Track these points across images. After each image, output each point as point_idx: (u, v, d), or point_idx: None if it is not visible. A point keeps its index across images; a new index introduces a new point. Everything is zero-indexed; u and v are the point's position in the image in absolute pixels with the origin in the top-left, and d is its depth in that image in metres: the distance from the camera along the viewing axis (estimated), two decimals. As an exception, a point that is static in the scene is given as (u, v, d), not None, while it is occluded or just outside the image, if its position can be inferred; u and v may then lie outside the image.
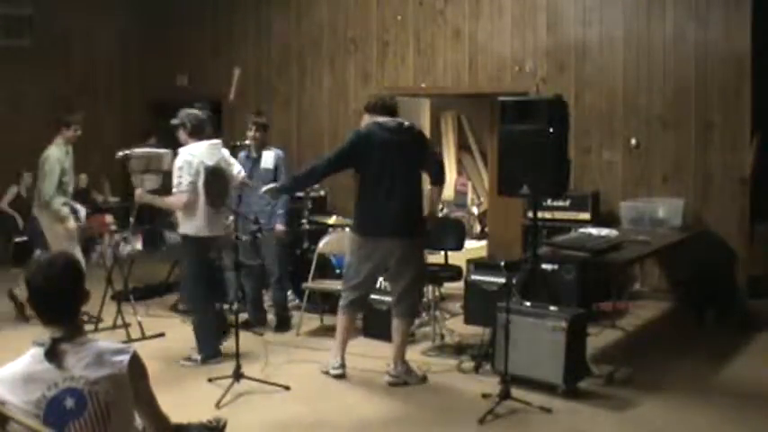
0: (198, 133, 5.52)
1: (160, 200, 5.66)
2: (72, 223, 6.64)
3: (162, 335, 6.38)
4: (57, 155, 6.58)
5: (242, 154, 6.56)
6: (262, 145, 6.50)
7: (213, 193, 5.43)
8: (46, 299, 2.32)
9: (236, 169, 5.81)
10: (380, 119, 5.19)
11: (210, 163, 5.46)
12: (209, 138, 5.57)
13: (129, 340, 6.01)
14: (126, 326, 6.24)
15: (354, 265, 5.22)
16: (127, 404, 2.33)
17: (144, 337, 6.23)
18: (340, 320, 5.34)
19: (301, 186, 5.78)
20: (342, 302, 5.33)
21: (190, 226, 5.49)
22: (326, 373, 5.33)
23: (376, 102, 5.31)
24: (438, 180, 5.38)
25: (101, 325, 6.48)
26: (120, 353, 2.35)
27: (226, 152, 5.72)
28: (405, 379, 5.20)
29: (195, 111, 5.66)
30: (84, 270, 2.50)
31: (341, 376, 5.27)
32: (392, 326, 5.29)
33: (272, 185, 5.41)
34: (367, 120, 5.28)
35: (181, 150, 5.50)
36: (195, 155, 5.42)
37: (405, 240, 5.12)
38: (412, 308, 5.33)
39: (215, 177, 5.45)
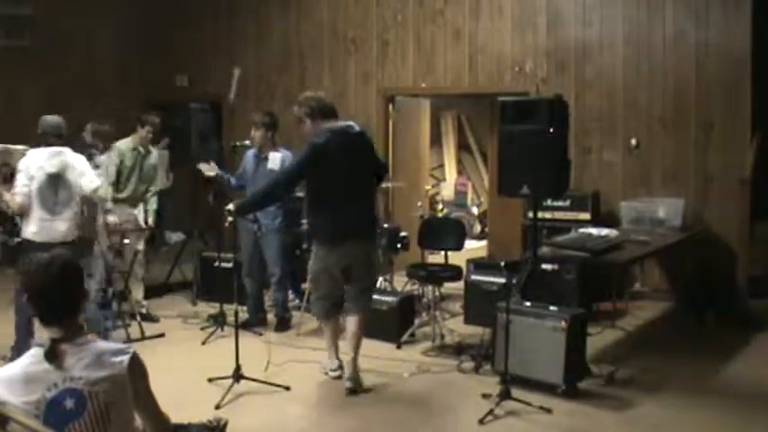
0: (44, 139, 5.56)
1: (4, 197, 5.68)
2: (110, 219, 6.50)
3: (162, 335, 6.38)
4: (121, 147, 6.70)
5: (250, 152, 6.56)
6: (271, 144, 6.48)
7: (46, 199, 5.43)
8: (45, 299, 2.31)
9: (87, 180, 5.62)
10: (328, 124, 5.11)
11: (51, 170, 5.44)
12: (54, 144, 5.55)
13: (129, 340, 6.02)
14: (126, 326, 6.24)
15: (323, 274, 5.17)
16: (127, 405, 2.33)
17: (144, 338, 6.22)
18: (325, 329, 5.38)
19: (264, 204, 5.48)
20: (318, 311, 5.35)
21: (25, 229, 5.52)
22: (326, 374, 5.35)
23: (318, 106, 5.20)
24: (381, 180, 5.54)
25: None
26: (119, 353, 2.34)
27: (79, 160, 5.65)
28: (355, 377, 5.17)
29: (51, 117, 5.67)
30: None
31: (340, 377, 5.26)
32: (351, 321, 5.22)
33: (230, 206, 5.21)
34: (310, 127, 5.15)
35: (28, 153, 5.56)
36: (35, 159, 5.45)
37: (368, 242, 5.26)
38: (371, 301, 5.45)
39: (49, 185, 5.43)
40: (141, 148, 6.83)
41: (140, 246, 6.71)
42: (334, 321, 5.33)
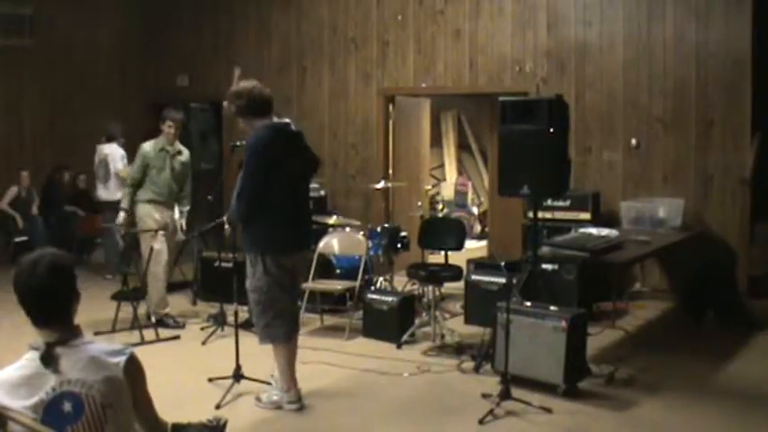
0: None
1: None
2: (150, 223, 6.56)
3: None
4: (145, 148, 6.64)
5: None
6: None
7: None
8: (33, 301, 2.25)
9: None
10: (264, 121, 4.58)
11: None
12: None
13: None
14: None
15: (276, 288, 4.60)
16: (124, 406, 2.29)
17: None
18: (282, 352, 4.70)
19: (250, 222, 4.63)
20: (277, 333, 4.66)
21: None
22: (278, 407, 4.74)
23: (247, 103, 4.56)
24: (315, 171, 5.10)
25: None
26: (116, 354, 2.31)
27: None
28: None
29: None
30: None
31: (302, 408, 4.75)
32: (293, 342, 4.77)
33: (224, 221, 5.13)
34: (244, 125, 4.65)
35: None
36: None
37: (309, 249, 5.05)
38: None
39: None
40: (169, 147, 6.68)
41: (157, 245, 6.55)
42: (293, 346, 4.76)
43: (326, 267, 7.01)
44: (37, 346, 2.24)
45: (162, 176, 6.63)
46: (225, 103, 4.70)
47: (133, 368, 2.32)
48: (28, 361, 2.24)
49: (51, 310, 2.27)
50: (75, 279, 2.33)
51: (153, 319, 6.46)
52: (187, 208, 6.94)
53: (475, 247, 9.97)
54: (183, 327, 6.63)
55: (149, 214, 6.59)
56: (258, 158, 4.52)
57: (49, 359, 2.21)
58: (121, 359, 2.30)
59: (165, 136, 6.67)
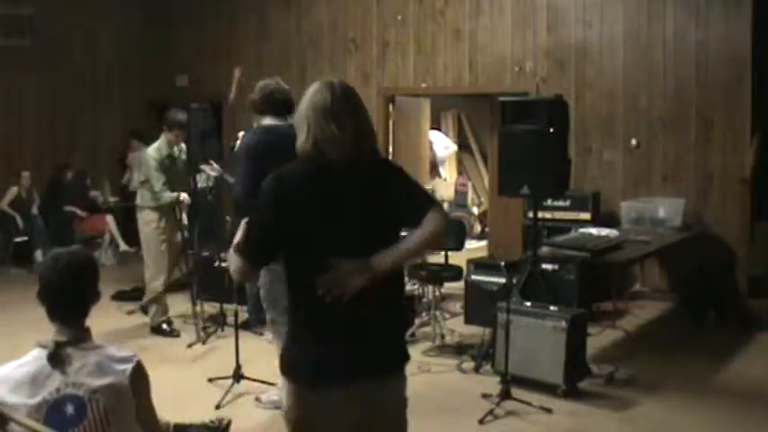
0: None
1: None
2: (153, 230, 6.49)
3: (177, 336, 6.34)
4: (152, 155, 6.47)
5: None
6: None
7: None
8: (56, 295, 2.28)
9: None
10: (266, 120, 4.64)
11: None
12: None
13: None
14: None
15: (279, 287, 4.29)
16: (127, 413, 2.29)
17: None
18: None
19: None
20: (276, 330, 4.50)
21: None
22: (279, 408, 4.70)
23: (264, 98, 4.71)
24: None
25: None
26: (123, 361, 2.31)
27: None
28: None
29: None
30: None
31: None
32: None
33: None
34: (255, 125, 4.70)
35: None
36: None
37: None
38: None
39: None
40: (174, 150, 6.59)
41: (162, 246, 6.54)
42: None
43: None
44: (45, 344, 2.24)
45: (170, 181, 6.60)
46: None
47: (139, 376, 2.32)
48: (33, 358, 2.24)
49: (72, 307, 2.30)
50: (97, 281, 2.36)
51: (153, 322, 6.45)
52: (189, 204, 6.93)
53: (475, 247, 9.97)
54: (178, 335, 6.55)
55: (154, 220, 6.56)
56: (245, 161, 4.58)
57: (56, 359, 2.21)
58: (128, 367, 2.30)
59: (170, 141, 6.60)
